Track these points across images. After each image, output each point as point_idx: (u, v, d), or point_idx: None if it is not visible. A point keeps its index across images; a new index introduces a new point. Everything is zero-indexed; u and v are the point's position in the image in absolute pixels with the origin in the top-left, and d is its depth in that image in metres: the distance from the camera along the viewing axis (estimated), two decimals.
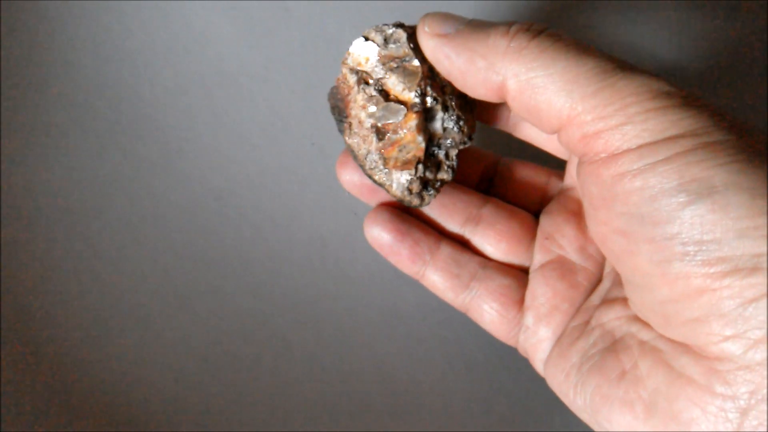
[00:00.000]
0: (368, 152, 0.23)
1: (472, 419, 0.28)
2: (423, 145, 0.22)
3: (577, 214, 0.24)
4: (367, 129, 0.22)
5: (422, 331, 0.29)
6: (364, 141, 0.23)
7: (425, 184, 0.23)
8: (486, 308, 0.24)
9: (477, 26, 0.20)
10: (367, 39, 0.22)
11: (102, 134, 0.30)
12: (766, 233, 0.17)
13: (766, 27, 0.31)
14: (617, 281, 0.23)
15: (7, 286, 0.29)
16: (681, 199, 0.17)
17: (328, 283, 0.29)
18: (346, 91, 0.22)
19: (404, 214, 0.25)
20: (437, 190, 0.23)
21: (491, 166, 0.27)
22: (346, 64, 0.22)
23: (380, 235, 0.24)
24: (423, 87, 0.22)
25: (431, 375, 0.28)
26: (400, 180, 0.23)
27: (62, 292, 0.29)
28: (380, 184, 0.23)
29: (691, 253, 0.17)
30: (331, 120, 0.28)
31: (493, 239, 0.25)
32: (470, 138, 0.23)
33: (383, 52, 0.22)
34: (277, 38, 0.31)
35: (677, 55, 0.31)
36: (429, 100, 0.22)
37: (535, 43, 0.19)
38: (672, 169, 0.18)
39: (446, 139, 0.22)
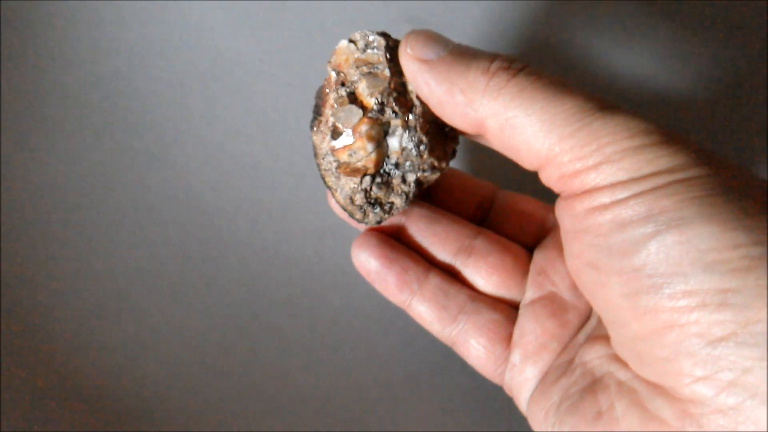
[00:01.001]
0: (327, 152, 0.23)
1: (469, 412, 0.27)
2: (373, 155, 0.22)
3: None
4: (328, 127, 0.22)
5: (418, 324, 0.28)
6: (324, 139, 0.23)
7: (374, 201, 0.23)
8: (473, 343, 0.24)
9: (459, 56, 0.21)
10: (351, 41, 0.22)
11: (97, 126, 0.31)
12: (734, 267, 0.16)
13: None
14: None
15: (1, 276, 0.29)
16: (648, 230, 0.17)
17: (323, 275, 0.29)
18: (327, 90, 0.23)
19: (393, 240, 0.25)
20: (387, 212, 0.23)
21: (489, 198, 0.26)
22: (330, 63, 0.23)
23: (367, 261, 0.24)
24: (385, 97, 0.22)
25: (427, 368, 0.28)
26: (345, 187, 0.22)
27: (56, 283, 0.29)
28: (329, 188, 0.23)
29: (658, 285, 0.17)
30: None
31: (485, 272, 0.25)
32: (434, 168, 0.22)
33: (360, 56, 0.22)
34: (273, 31, 0.31)
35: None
36: (388, 111, 0.22)
37: (514, 82, 0.19)
38: (642, 201, 0.17)
39: (406, 161, 0.22)
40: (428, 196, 0.26)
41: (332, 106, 0.22)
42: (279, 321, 0.29)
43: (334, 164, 0.23)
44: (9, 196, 0.30)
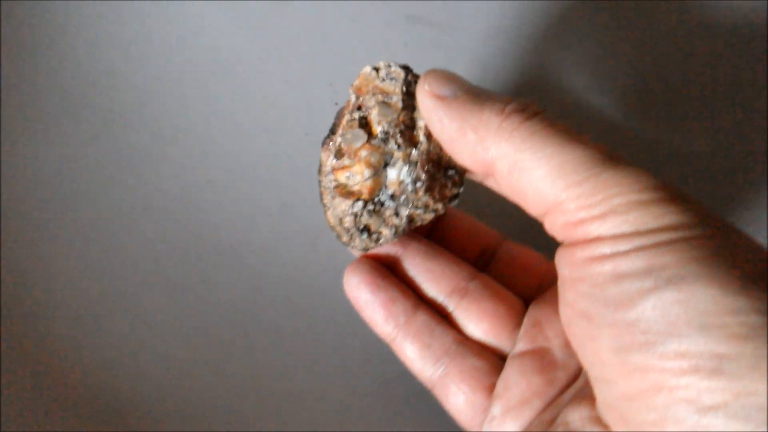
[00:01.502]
0: (329, 171, 0.23)
1: None
2: (368, 182, 0.22)
3: None
4: (335, 147, 0.23)
5: None
6: (329, 158, 0.23)
7: (363, 227, 0.22)
8: (453, 388, 0.23)
9: (475, 95, 0.21)
10: (375, 69, 0.23)
11: (95, 123, 0.31)
12: (732, 333, 0.15)
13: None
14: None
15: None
16: (647, 285, 0.16)
17: (321, 273, 0.29)
18: (345, 112, 0.23)
19: (387, 271, 0.24)
20: (374, 242, 0.23)
21: (493, 246, 0.26)
22: (353, 86, 0.23)
23: (357, 287, 0.24)
24: (392, 127, 0.22)
25: None
26: (337, 208, 0.23)
27: (54, 280, 0.29)
28: (324, 205, 0.23)
29: (651, 343, 0.16)
30: (326, 111, 0.28)
31: (475, 316, 0.24)
32: (428, 208, 0.22)
33: (379, 84, 0.22)
34: (272, 29, 0.32)
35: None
36: (392, 142, 0.22)
37: (527, 125, 0.19)
38: (644, 256, 0.17)
39: (402, 194, 0.22)
40: (431, 234, 0.26)
41: (344, 127, 0.23)
42: (277, 320, 0.29)
43: (333, 183, 0.23)
44: (5, 193, 0.30)
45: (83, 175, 0.30)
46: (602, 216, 0.18)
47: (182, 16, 0.32)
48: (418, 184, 0.22)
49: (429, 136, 0.22)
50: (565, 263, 0.19)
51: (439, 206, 0.22)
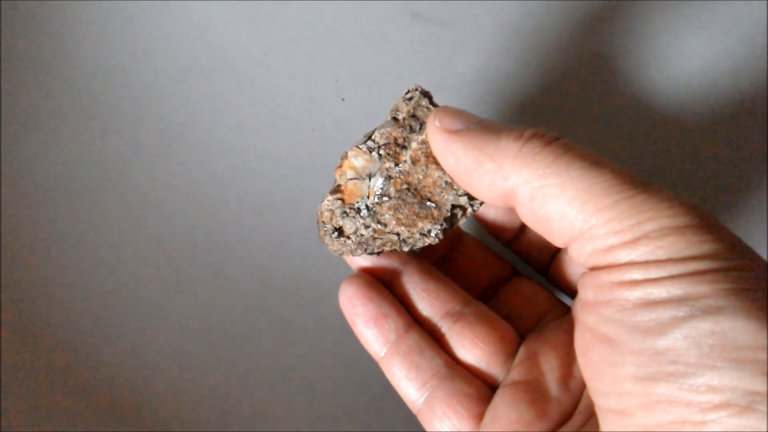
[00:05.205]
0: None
1: None
2: (348, 183, 0.22)
3: (571, 349, 0.22)
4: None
5: None
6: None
7: (336, 228, 0.22)
8: (439, 413, 0.22)
9: (489, 126, 0.20)
10: (408, 91, 0.22)
11: (103, 120, 0.30)
12: None
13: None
14: (587, 419, 0.20)
15: (6, 269, 0.29)
16: (681, 313, 0.16)
17: (328, 267, 0.29)
18: None
19: (383, 287, 0.24)
20: (342, 246, 0.22)
21: (502, 278, 0.25)
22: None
23: (351, 299, 0.23)
24: (382, 139, 0.22)
25: None
26: (325, 200, 0.22)
27: (63, 276, 0.29)
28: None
29: (680, 374, 0.15)
30: (330, 106, 0.29)
31: (468, 341, 0.23)
32: (386, 227, 0.22)
33: (399, 103, 0.22)
34: (276, 25, 0.32)
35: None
36: (375, 153, 0.22)
37: (549, 149, 0.18)
38: (679, 284, 0.16)
39: (374, 208, 0.22)
40: (442, 260, 0.26)
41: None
42: (285, 314, 0.29)
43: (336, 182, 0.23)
44: (16, 189, 0.30)
45: (90, 170, 0.30)
46: (634, 242, 0.17)
47: (188, 13, 0.32)
48: (385, 199, 0.22)
49: (415, 162, 0.22)
50: (589, 286, 0.18)
51: (402, 230, 0.22)
